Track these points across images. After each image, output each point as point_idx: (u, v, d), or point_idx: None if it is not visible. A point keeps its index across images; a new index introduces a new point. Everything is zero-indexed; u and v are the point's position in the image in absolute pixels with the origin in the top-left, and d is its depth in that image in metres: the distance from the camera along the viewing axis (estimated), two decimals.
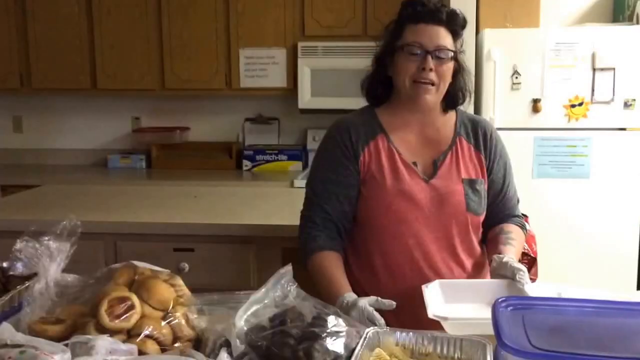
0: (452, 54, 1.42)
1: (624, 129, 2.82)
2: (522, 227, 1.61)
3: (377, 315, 1.25)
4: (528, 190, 2.88)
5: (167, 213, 2.27)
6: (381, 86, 1.51)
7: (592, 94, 2.81)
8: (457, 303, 1.30)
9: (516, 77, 2.86)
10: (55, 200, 2.55)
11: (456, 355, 1.15)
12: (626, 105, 2.82)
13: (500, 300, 0.95)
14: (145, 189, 2.86)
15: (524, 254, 2.08)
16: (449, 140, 1.51)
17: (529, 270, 2.07)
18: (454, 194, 1.45)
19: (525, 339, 0.86)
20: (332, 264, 1.42)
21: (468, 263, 1.50)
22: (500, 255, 1.41)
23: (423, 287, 1.31)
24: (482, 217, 1.51)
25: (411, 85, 1.43)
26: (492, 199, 1.54)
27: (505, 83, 2.85)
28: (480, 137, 1.52)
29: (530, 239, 2.19)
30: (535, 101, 2.85)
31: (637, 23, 3.00)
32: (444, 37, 1.42)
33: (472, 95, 1.55)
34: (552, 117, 2.84)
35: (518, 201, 1.64)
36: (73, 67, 3.59)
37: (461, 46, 1.49)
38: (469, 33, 2.91)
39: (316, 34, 3.45)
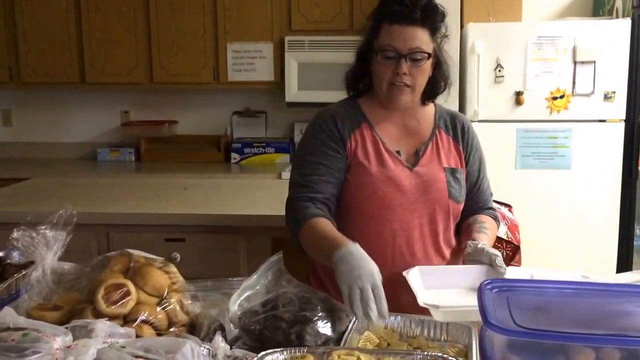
0: (427, 55, 1.42)
1: (603, 121, 2.89)
2: (495, 218, 1.63)
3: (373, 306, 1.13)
4: (511, 180, 2.95)
5: (158, 204, 2.29)
6: (363, 80, 1.53)
7: (573, 87, 2.87)
8: (436, 289, 1.31)
9: (499, 70, 2.91)
10: (46, 192, 2.56)
11: (442, 338, 1.21)
12: (606, 97, 2.88)
13: (485, 282, 0.99)
14: (135, 181, 2.87)
15: (507, 242, 2.13)
16: (429, 132, 1.53)
17: (513, 258, 2.13)
18: (437, 181, 1.47)
19: (510, 318, 0.89)
20: (325, 224, 1.37)
21: (447, 252, 1.52)
22: (475, 242, 1.43)
23: (404, 273, 1.31)
24: (461, 206, 1.53)
25: (387, 87, 1.44)
26: (467, 190, 1.56)
27: (488, 76, 2.90)
28: (458, 129, 1.55)
29: (513, 227, 2.24)
30: (518, 94, 2.90)
31: (617, 17, 3.06)
32: (419, 38, 1.41)
33: (452, 85, 1.55)
34: (535, 109, 2.90)
35: (491, 194, 1.67)
36: (62, 61, 3.58)
37: (445, 30, 1.46)
38: (453, 27, 2.95)
39: (303, 28, 3.47)
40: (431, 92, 1.52)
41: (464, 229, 1.57)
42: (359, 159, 1.46)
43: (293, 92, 3.48)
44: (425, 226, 1.47)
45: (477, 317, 0.97)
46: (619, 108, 2.88)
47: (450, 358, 0.94)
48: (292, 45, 3.45)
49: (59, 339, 0.79)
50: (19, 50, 3.60)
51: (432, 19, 1.42)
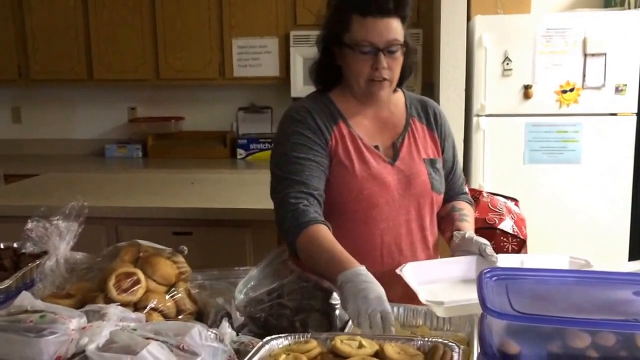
0: (403, 45, 1.38)
1: (615, 114, 2.83)
2: (470, 203, 1.62)
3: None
4: (519, 176, 2.91)
5: (165, 198, 2.34)
6: (330, 73, 1.46)
7: (583, 80, 2.81)
8: (430, 283, 1.28)
9: (507, 64, 2.87)
10: (56, 187, 2.61)
11: (445, 327, 1.22)
12: (617, 90, 2.81)
13: (485, 271, 1.00)
14: (143, 177, 2.91)
15: (513, 236, 2.14)
16: (403, 121, 1.49)
17: (519, 251, 2.14)
18: (419, 174, 1.45)
19: (508, 304, 0.91)
20: (327, 235, 1.30)
21: (432, 242, 1.52)
22: (462, 232, 1.42)
23: (397, 271, 1.28)
24: (442, 196, 1.52)
25: (365, 84, 1.40)
26: (444, 178, 1.53)
27: (496, 69, 2.86)
28: (430, 116, 1.52)
29: (520, 222, 2.24)
30: (527, 87, 2.85)
31: (629, 8, 3.03)
32: (394, 29, 1.36)
33: (416, 68, 1.50)
34: (543, 103, 2.85)
35: (464, 179, 1.64)
36: (70, 58, 3.64)
37: (416, 11, 1.46)
38: (459, 20, 2.95)
39: (308, 22, 3.48)
40: (400, 79, 1.47)
41: (442, 217, 1.55)
42: (341, 159, 1.41)
43: (299, 87, 3.50)
44: (412, 222, 1.46)
45: (479, 310, 0.93)
46: (630, 101, 2.82)
47: (450, 344, 0.96)
48: (297, 40, 3.47)
49: (75, 321, 0.83)
50: (28, 48, 3.66)
51: (404, 7, 1.38)
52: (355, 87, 1.42)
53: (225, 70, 3.58)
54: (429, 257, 1.49)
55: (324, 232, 1.30)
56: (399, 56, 1.39)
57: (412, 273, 1.29)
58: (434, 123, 1.52)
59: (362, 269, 1.18)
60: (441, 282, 1.31)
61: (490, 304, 0.87)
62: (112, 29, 3.59)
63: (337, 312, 1.17)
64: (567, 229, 2.88)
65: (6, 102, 4.04)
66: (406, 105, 1.52)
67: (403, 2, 1.36)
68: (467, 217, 1.51)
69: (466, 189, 1.65)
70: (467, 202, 1.60)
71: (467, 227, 1.47)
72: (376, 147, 1.45)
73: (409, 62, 1.45)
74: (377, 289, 1.12)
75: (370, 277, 1.16)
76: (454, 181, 1.58)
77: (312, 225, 1.30)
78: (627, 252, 2.90)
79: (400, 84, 1.50)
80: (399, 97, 1.53)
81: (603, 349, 0.81)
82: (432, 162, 1.48)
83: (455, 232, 1.44)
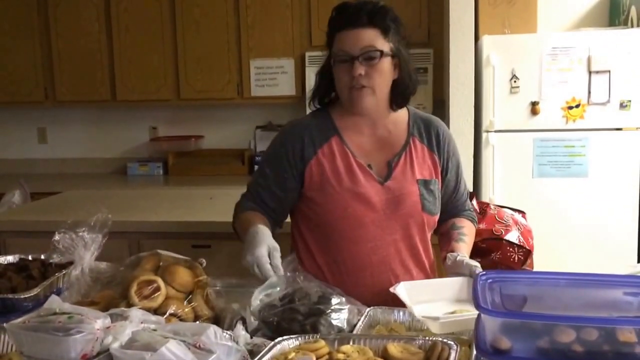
0: (380, 52, 1.40)
1: (620, 129, 2.89)
2: (473, 220, 1.63)
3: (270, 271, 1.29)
4: (528, 189, 2.97)
5: (185, 213, 2.42)
6: (328, 95, 1.53)
7: (589, 96, 2.89)
8: (421, 303, 1.29)
9: (514, 81, 2.94)
10: (80, 203, 2.70)
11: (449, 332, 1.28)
12: (622, 106, 2.88)
13: (481, 274, 1.06)
14: (164, 193, 3.01)
15: (519, 247, 2.18)
16: (402, 141, 1.50)
17: (524, 262, 2.18)
18: (410, 195, 1.45)
19: (501, 304, 0.97)
20: (256, 216, 1.47)
21: (427, 262, 1.53)
22: (454, 254, 1.44)
23: (392, 289, 1.31)
24: (437, 217, 1.52)
25: (347, 92, 1.43)
26: (446, 197, 1.55)
27: (504, 87, 2.94)
28: (433, 137, 1.52)
29: (526, 233, 2.28)
30: (534, 104, 2.93)
31: (632, 26, 3.09)
32: (369, 37, 1.40)
33: (417, 88, 1.51)
34: (550, 118, 2.92)
35: (468, 194, 1.66)
36: (94, 80, 3.78)
37: (404, 32, 1.45)
38: (468, 40, 3.03)
39: (323, 43, 3.55)
40: (401, 97, 1.49)
41: (442, 234, 1.58)
42: (328, 177, 1.45)
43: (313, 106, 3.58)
44: (400, 242, 1.47)
45: (473, 326, 0.99)
46: (635, 116, 2.88)
47: (448, 342, 1.02)
48: (312, 60, 3.56)
49: (100, 321, 0.90)
50: (54, 70, 3.81)
51: (381, 19, 1.42)
52: (342, 98, 1.48)
53: (243, 90, 3.69)
54: (426, 277, 1.51)
55: (251, 215, 1.48)
56: (380, 65, 1.41)
57: (406, 292, 1.32)
58: (436, 144, 1.52)
59: (251, 230, 1.38)
60: (434, 302, 1.33)
61: (483, 303, 0.94)
62: (135, 52, 3.72)
63: (346, 315, 1.23)
64: (575, 241, 2.92)
65: (33, 123, 4.19)
66: (408, 123, 1.52)
67: (378, 15, 1.42)
68: (464, 236, 1.53)
69: (470, 205, 1.67)
70: (469, 219, 1.61)
71: (462, 248, 1.49)
72: (369, 165, 1.47)
73: (403, 75, 1.46)
74: (252, 248, 1.34)
75: (254, 236, 1.37)
76: (457, 199, 1.60)
77: (245, 212, 1.51)
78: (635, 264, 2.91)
79: (402, 101, 1.51)
80: (402, 116, 1.53)
81: (587, 343, 0.87)
82: (425, 183, 1.49)
83: (448, 254, 1.46)
